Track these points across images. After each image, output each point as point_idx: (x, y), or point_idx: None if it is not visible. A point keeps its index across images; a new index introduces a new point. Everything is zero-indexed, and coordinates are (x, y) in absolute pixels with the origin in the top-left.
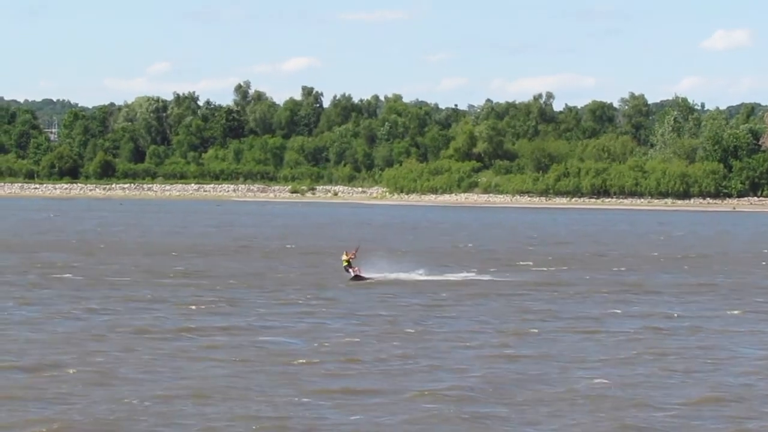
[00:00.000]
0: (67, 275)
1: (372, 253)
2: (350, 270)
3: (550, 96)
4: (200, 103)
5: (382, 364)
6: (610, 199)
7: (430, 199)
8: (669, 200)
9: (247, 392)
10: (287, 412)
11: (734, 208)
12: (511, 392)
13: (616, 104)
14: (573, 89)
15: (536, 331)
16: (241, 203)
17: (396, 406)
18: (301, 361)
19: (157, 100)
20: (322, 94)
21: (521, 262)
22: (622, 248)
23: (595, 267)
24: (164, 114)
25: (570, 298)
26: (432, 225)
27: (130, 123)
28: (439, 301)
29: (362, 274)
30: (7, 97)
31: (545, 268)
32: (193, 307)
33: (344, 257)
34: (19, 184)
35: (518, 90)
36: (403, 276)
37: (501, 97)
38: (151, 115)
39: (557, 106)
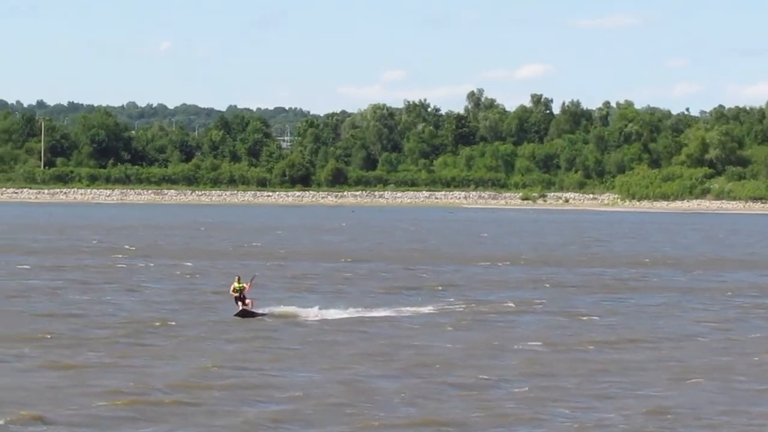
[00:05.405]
0: None
1: None
2: (239, 303)
3: None
4: (429, 110)
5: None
6: None
7: (662, 205)
8: None
9: None
10: None
11: None
12: None
13: None
14: None
15: None
16: (474, 210)
17: None
18: None
19: (383, 107)
20: (551, 101)
21: None
22: None
23: None
24: (392, 121)
25: None
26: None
27: (358, 130)
28: None
29: (254, 309)
30: (240, 106)
31: None
32: None
33: (236, 284)
34: (252, 192)
35: (753, 95)
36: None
37: (734, 103)
38: (379, 122)
39: None
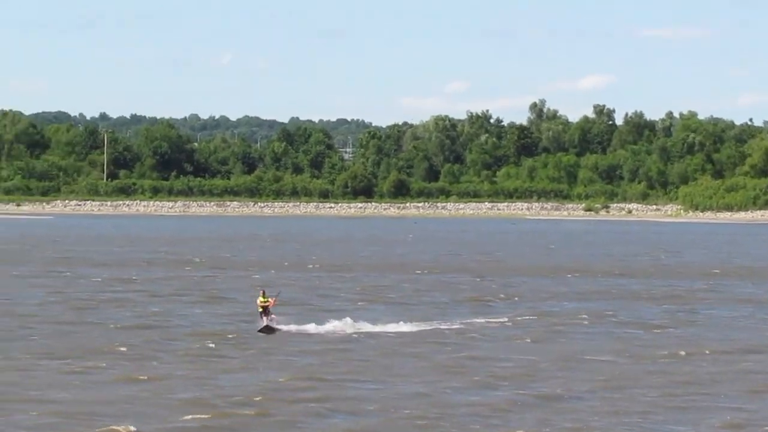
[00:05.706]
0: None
1: None
2: (264, 318)
3: None
4: (492, 121)
5: None
6: None
7: (726, 216)
8: None
9: None
10: None
11: None
12: None
13: None
14: None
15: None
16: (537, 222)
17: None
18: None
19: (446, 118)
20: (614, 112)
21: None
22: None
23: None
24: (455, 133)
25: None
26: None
27: (420, 141)
28: None
29: (277, 326)
30: (302, 118)
31: None
32: None
33: (261, 299)
34: (314, 204)
35: None
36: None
37: None
38: (441, 134)
39: None
